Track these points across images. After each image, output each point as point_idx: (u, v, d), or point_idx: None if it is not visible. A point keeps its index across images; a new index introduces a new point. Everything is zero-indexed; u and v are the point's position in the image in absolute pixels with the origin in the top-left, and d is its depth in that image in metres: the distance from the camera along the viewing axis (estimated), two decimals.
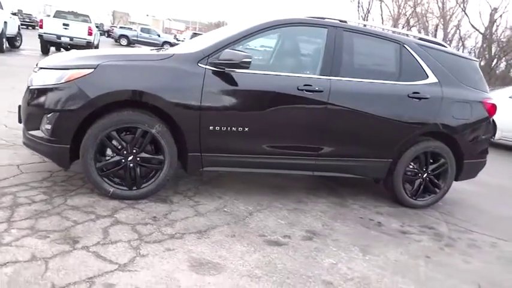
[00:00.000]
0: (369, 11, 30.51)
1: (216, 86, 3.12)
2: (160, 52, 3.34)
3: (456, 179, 4.08)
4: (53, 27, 14.14)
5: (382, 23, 29.16)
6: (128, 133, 3.06)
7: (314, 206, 3.57)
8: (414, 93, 3.64)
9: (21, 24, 18.02)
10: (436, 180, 3.94)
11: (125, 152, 3.04)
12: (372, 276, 2.53)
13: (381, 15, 30.16)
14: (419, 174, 3.86)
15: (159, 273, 2.22)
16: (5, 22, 13.10)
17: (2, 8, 13.50)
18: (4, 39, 12.97)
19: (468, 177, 4.22)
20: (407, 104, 3.63)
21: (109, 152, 3.07)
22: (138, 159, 3.08)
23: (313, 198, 3.77)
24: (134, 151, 3.06)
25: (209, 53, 3.14)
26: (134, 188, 3.12)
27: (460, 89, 3.87)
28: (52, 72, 2.98)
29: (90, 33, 14.52)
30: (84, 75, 2.89)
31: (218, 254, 2.51)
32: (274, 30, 3.43)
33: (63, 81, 2.90)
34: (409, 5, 28.11)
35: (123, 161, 3.05)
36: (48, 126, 2.91)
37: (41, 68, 3.09)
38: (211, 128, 3.15)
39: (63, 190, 3.12)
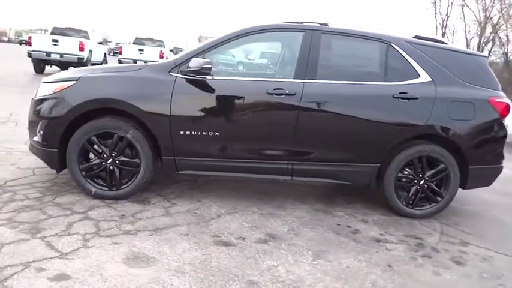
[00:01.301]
0: (448, 17, 28.55)
1: (185, 93, 3.30)
2: (137, 64, 3.61)
3: (463, 187, 3.70)
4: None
5: (465, 29, 27.11)
6: (109, 138, 3.35)
7: (292, 212, 3.51)
8: (401, 93, 3.43)
9: (108, 52, 20.29)
10: (436, 188, 3.61)
11: (104, 156, 3.34)
12: (308, 280, 2.44)
13: (463, 20, 28.01)
14: (415, 181, 3.58)
15: (91, 262, 2.41)
16: (90, 50, 14.91)
17: (89, 39, 15.40)
18: (89, 65, 14.67)
19: (479, 186, 3.79)
20: (393, 105, 3.43)
21: (92, 155, 3.39)
22: (117, 162, 3.35)
23: (296, 204, 3.71)
24: (113, 154, 3.34)
25: (180, 62, 3.34)
26: (114, 188, 3.39)
27: (459, 87, 3.54)
28: (48, 85, 3.41)
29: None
30: (69, 87, 3.27)
31: (159, 250, 2.63)
32: (247, 37, 3.51)
33: (52, 92, 3.31)
34: (496, 9, 25.68)
35: (103, 163, 3.35)
36: (41, 132, 3.33)
37: (43, 83, 3.55)
38: (181, 132, 3.32)
39: (58, 190, 3.50)
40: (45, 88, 3.40)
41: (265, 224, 3.21)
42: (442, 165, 3.55)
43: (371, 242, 3.07)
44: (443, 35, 26.47)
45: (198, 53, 3.37)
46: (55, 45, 13.69)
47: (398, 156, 3.51)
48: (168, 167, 3.43)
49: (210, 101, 3.34)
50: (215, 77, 3.33)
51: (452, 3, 28.36)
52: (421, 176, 3.57)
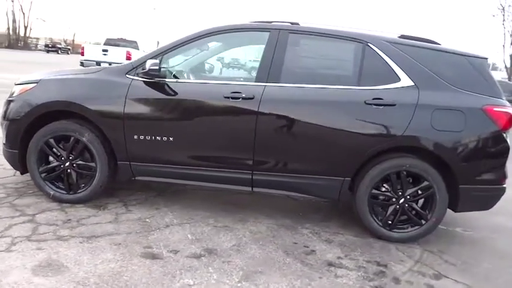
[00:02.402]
0: None
1: (139, 96, 3.18)
2: (96, 66, 3.55)
3: (454, 210, 3.19)
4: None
5: None
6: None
7: (251, 226, 3.23)
8: (374, 99, 3.03)
9: None
10: (419, 209, 3.14)
11: (62, 158, 3.31)
12: None
13: None
14: (394, 200, 3.14)
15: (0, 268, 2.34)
16: None
17: (138, 49, 16.17)
18: None
19: (474, 209, 3.25)
20: (364, 112, 3.04)
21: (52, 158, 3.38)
22: (74, 165, 3.31)
23: (262, 217, 3.42)
24: (70, 158, 3.31)
25: (137, 64, 3.24)
26: (71, 192, 3.35)
27: (448, 93, 3.06)
28: (16, 87, 3.47)
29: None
30: (29, 89, 3.30)
31: (78, 258, 2.51)
32: (209, 38, 3.32)
33: (16, 94, 3.36)
34: None
35: (61, 166, 3.32)
36: (5, 133, 3.39)
37: (15, 84, 3.62)
38: (135, 137, 3.20)
39: (25, 191, 3.53)
40: (14, 90, 3.46)
41: (212, 237, 2.97)
42: (425, 183, 3.08)
43: (322, 265, 2.71)
44: None
45: (156, 55, 3.24)
46: (105, 54, 14.73)
47: (372, 170, 3.10)
48: (123, 172, 3.33)
49: (163, 105, 3.20)
50: (171, 80, 3.18)
51: None
52: (400, 194, 3.12)
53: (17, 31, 50.87)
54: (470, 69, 3.14)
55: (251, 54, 3.70)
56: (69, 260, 2.49)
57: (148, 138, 3.19)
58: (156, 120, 3.21)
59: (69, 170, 3.32)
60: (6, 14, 60.96)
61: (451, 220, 3.60)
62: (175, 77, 3.27)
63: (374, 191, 3.13)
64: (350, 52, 3.21)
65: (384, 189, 3.17)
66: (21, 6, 52.95)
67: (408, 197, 3.12)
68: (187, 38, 3.27)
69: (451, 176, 3.07)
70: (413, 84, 3.07)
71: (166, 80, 3.18)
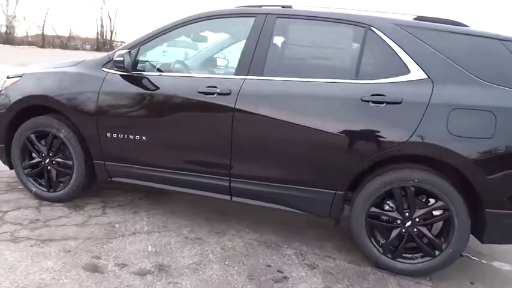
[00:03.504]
0: None
1: (112, 90, 2.93)
2: (76, 59, 3.34)
3: (480, 240, 2.48)
4: None
5: None
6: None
7: (227, 241, 2.81)
8: (374, 95, 2.44)
9: None
10: (431, 235, 2.49)
11: (43, 155, 3.18)
12: None
13: None
14: (398, 222, 2.51)
15: None
16: None
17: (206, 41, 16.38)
18: None
19: (506, 240, 2.49)
20: (361, 111, 2.46)
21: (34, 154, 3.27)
22: (53, 162, 3.17)
23: (245, 231, 2.98)
24: (50, 154, 3.17)
25: (113, 56, 2.98)
26: (51, 190, 3.21)
27: (473, 87, 2.37)
28: (7, 80, 3.39)
29: None
30: (13, 83, 3.22)
31: (16, 264, 2.31)
32: (189, 27, 2.95)
33: (3, 88, 3.30)
34: None
35: (42, 163, 3.20)
36: None
37: (6, 78, 3.52)
38: (108, 134, 2.95)
39: (14, 186, 3.46)
40: (5, 83, 3.40)
41: (174, 251, 2.61)
42: (439, 203, 2.42)
43: None
44: None
45: (133, 46, 2.96)
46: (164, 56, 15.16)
47: (370, 183, 2.51)
48: (99, 172, 3.10)
49: (134, 101, 2.90)
50: (144, 73, 2.88)
51: None
52: (407, 215, 2.49)
53: (104, 35, 55.18)
54: (507, 57, 2.40)
55: (230, 42, 3.24)
56: (6, 265, 2.29)
57: (121, 136, 2.93)
58: (127, 117, 2.93)
59: (49, 167, 3.19)
60: (96, 21, 66.41)
61: (485, 249, 2.85)
62: (148, 70, 2.96)
63: (373, 209, 2.54)
64: (348, 38, 2.64)
65: (386, 207, 2.55)
66: (108, 12, 57.32)
67: (417, 219, 2.47)
68: (165, 28, 2.94)
69: (475, 197, 2.37)
70: (426, 76, 2.42)
71: (142, 73, 2.89)
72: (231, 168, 2.74)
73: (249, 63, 2.70)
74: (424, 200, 2.51)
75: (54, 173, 3.19)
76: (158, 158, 2.92)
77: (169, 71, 3.03)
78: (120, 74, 2.92)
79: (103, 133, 2.96)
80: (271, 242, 2.85)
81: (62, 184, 3.20)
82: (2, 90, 3.32)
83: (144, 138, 2.88)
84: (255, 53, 2.70)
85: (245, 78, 2.67)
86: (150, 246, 2.64)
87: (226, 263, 2.52)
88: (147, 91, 2.86)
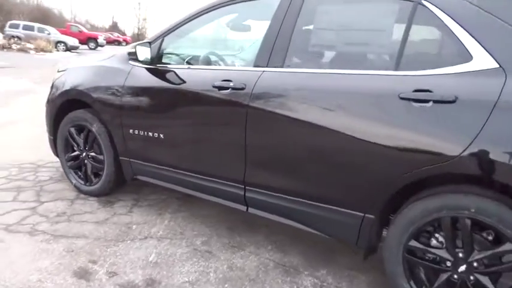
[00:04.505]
0: None
1: (134, 85, 2.77)
2: (112, 53, 3.22)
3: None
4: None
5: None
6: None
7: (239, 258, 2.44)
8: (417, 91, 1.82)
9: None
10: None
11: (81, 149, 3.21)
12: None
13: None
14: (448, 264, 1.85)
15: None
16: None
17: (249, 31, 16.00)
18: None
19: None
20: (398, 111, 1.86)
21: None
22: (89, 156, 3.17)
23: (266, 249, 2.57)
24: (86, 148, 3.17)
25: None
26: (88, 184, 3.22)
27: None
28: (56, 74, 3.48)
29: None
30: (59, 78, 3.30)
31: (13, 261, 2.28)
32: (213, 13, 2.61)
33: (53, 82, 3.40)
34: None
35: (81, 156, 3.22)
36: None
37: (57, 72, 3.61)
38: (131, 131, 2.82)
39: (65, 178, 3.57)
40: (55, 77, 3.50)
41: (175, 264, 2.34)
42: (509, 246, 1.70)
43: None
44: None
45: (157, 37, 2.75)
46: None
47: (409, 208, 1.89)
48: (126, 169, 2.99)
49: (153, 96, 2.69)
50: (164, 67, 2.66)
51: None
52: (460, 255, 1.81)
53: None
54: None
55: (255, 29, 2.79)
56: (7, 260, 2.28)
57: (141, 133, 2.76)
58: (146, 113, 2.74)
59: (85, 161, 3.19)
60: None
61: None
62: (168, 63, 2.72)
63: (413, 242, 1.91)
64: (390, 17, 2.02)
65: (433, 242, 1.90)
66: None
67: (475, 264, 1.78)
68: (189, 16, 2.66)
69: None
70: (496, 65, 1.70)
71: (166, 66, 2.67)
72: (245, 175, 2.35)
73: (270, 52, 2.27)
74: (487, 237, 1.80)
75: (89, 167, 3.19)
76: (175, 158, 2.68)
77: (191, 63, 2.75)
78: (145, 68, 2.74)
79: (126, 129, 2.83)
80: (291, 265, 2.39)
81: (97, 179, 3.18)
82: (52, 84, 3.43)
83: (161, 136, 2.66)
84: (276, 40, 2.25)
85: (263, 71, 2.25)
86: (153, 255, 2.42)
87: (226, 285, 2.16)
88: (163, 86, 2.62)
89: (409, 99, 1.82)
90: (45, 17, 36.02)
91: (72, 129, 3.19)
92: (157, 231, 2.71)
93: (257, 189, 2.34)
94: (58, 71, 3.42)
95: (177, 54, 2.82)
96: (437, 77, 1.80)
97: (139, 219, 2.87)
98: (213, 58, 2.91)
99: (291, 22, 2.23)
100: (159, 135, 2.67)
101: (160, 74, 2.65)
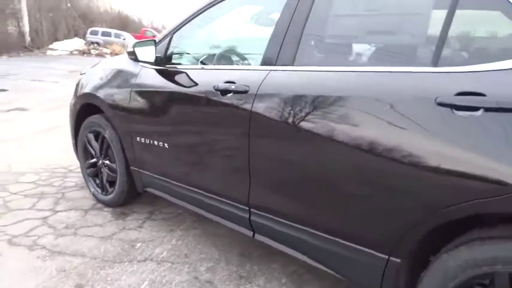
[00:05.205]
0: None
1: (140, 88, 2.52)
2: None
3: None
4: None
5: None
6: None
7: (245, 282, 2.06)
8: (461, 94, 1.31)
9: None
10: None
11: (97, 156, 3.05)
12: None
13: None
14: None
15: None
16: None
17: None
18: None
19: None
20: (435, 122, 1.35)
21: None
22: (105, 164, 2.99)
23: (280, 284, 2.15)
24: (102, 155, 3.00)
25: None
26: (104, 193, 3.05)
27: None
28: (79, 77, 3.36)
29: None
30: (79, 81, 3.16)
31: (3, 280, 2.12)
32: (219, 7, 2.25)
33: (76, 85, 3.28)
34: None
35: (97, 164, 3.06)
36: None
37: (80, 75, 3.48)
38: (138, 139, 2.56)
39: (80, 184, 3.44)
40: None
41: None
42: None
43: None
44: None
45: (165, 35, 2.47)
46: None
47: (448, 255, 1.37)
48: (136, 179, 2.75)
49: (158, 100, 2.40)
50: (170, 68, 2.36)
51: None
52: None
53: None
54: None
55: (265, 23, 2.34)
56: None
57: (147, 142, 2.49)
58: (150, 119, 2.46)
59: (102, 169, 3.02)
60: None
61: None
62: (174, 63, 2.41)
63: None
64: (429, 2, 1.51)
65: None
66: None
67: None
68: (197, 10, 2.33)
69: None
70: None
71: (176, 66, 2.38)
72: (249, 195, 1.96)
73: (279, 49, 1.86)
74: None
75: (105, 175, 3.00)
76: (180, 171, 2.37)
77: (198, 63, 2.41)
78: (154, 69, 2.47)
79: (134, 137, 2.58)
80: None
81: (112, 188, 2.98)
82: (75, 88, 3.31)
83: (166, 145, 2.37)
84: (287, 34, 1.84)
85: (270, 70, 1.85)
86: (146, 282, 2.12)
87: None
88: (169, 89, 2.32)
89: (449, 106, 1.31)
90: (124, 24, 38.23)
91: (90, 135, 3.03)
92: (160, 253, 2.41)
93: (262, 213, 1.94)
94: (80, 74, 3.30)
95: (188, 53, 2.51)
96: (491, 75, 1.27)
97: (146, 236, 2.61)
98: (234, 57, 2.56)
99: (303, 14, 1.79)
100: (163, 144, 2.38)
101: (166, 75, 2.36)
